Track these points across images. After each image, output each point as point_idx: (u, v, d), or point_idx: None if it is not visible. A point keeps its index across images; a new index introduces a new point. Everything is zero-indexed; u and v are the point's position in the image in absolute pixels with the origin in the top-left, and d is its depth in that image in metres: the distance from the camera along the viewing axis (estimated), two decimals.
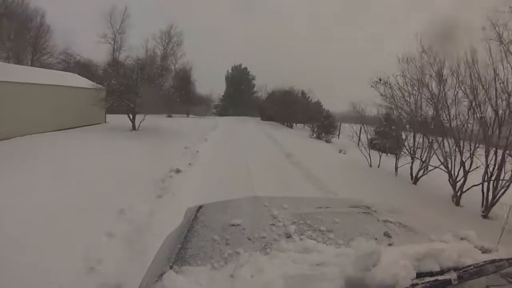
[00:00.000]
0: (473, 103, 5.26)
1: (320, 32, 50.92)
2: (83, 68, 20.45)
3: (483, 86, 5.07)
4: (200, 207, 1.50)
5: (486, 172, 5.01)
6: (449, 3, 9.83)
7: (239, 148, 9.91)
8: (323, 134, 15.34)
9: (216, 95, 36.58)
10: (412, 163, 7.09)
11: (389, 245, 1.06)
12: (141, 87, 10.99)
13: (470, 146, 5.32)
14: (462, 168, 5.44)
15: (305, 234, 1.12)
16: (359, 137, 12.49)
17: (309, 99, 25.11)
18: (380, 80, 7.74)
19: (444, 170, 5.80)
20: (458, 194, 5.49)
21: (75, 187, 4.42)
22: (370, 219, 1.33)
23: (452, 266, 0.85)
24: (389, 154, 8.71)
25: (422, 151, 6.77)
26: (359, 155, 8.84)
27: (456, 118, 5.70)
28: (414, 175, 6.94)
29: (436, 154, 6.11)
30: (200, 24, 47.37)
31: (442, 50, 6.06)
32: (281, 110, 22.65)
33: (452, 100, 5.74)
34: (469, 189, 5.32)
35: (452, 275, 0.83)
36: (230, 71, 38.95)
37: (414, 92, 6.88)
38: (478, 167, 5.18)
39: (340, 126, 14.46)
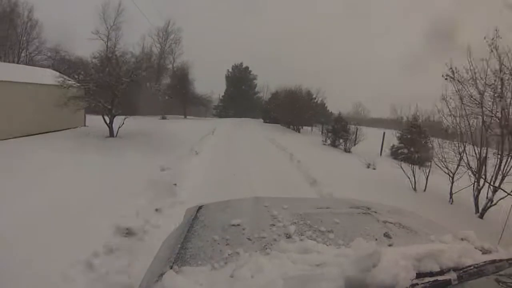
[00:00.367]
0: None
1: (319, 32, 50.95)
2: (69, 65, 18.53)
3: None
4: (200, 207, 1.51)
5: None
6: None
7: (240, 168, 7.07)
8: (340, 141, 12.92)
9: (216, 95, 35.66)
10: (476, 187, 5.07)
11: (389, 245, 1.06)
12: (123, 86, 9.27)
13: None
14: None
15: (305, 234, 1.12)
16: (382, 144, 11.12)
17: (315, 99, 23.34)
18: (453, 72, 5.28)
19: None
20: None
21: None
22: (370, 220, 1.33)
23: (452, 267, 0.85)
24: (418, 167, 6.81)
25: (493, 171, 4.83)
26: (391, 170, 7.06)
27: None
28: (478, 205, 5.00)
29: None
30: (199, 22, 47.36)
31: None
32: (287, 111, 20.42)
33: None
34: None
35: (452, 276, 0.83)
36: (230, 70, 37.68)
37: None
38: None
39: (357, 131, 12.32)
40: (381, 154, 9.21)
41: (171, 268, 0.93)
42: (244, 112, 33.28)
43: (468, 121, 5.31)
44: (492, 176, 4.85)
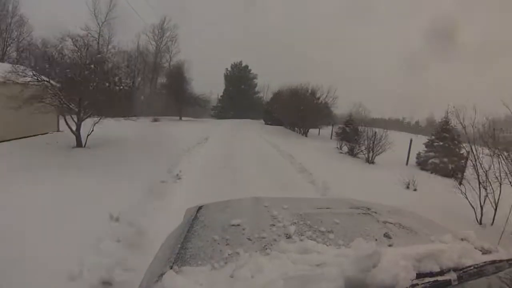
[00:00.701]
0: None
1: (319, 32, 50.97)
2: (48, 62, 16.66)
3: None
4: (200, 207, 1.51)
5: None
6: None
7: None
8: (361, 148, 10.61)
9: (215, 96, 34.33)
10: None
11: (389, 246, 1.06)
12: (94, 84, 7.78)
13: None
14: None
15: (305, 234, 1.12)
16: (409, 153, 9.18)
17: (319, 99, 20.28)
18: None
19: None
20: None
21: None
22: (370, 220, 1.33)
23: (452, 267, 0.86)
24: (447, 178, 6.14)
25: None
26: (435, 190, 5.91)
27: None
28: None
29: None
30: (198, 21, 47.21)
31: None
32: (293, 112, 18.09)
33: None
34: None
35: (452, 276, 0.83)
36: (229, 69, 35.76)
37: None
38: None
39: (382, 137, 9.68)
40: (407, 164, 7.86)
41: (171, 268, 0.93)
42: (244, 113, 31.57)
43: None
44: None
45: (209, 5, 49.33)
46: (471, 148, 5.00)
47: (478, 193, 4.66)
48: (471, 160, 5.04)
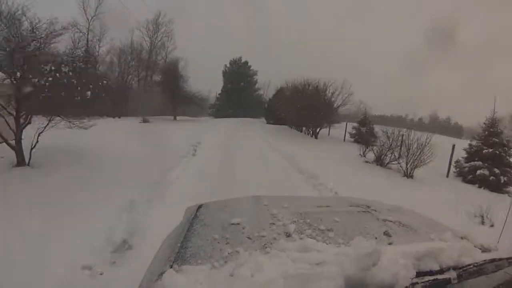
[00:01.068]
0: None
1: (319, 31, 50.81)
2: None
3: None
4: (200, 206, 1.51)
5: None
6: None
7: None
8: (396, 156, 8.26)
9: (214, 94, 33.29)
10: None
11: (389, 244, 1.06)
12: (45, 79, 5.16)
13: None
14: None
15: (305, 233, 1.12)
16: (450, 163, 7.11)
17: (325, 97, 17.03)
18: None
19: None
20: None
21: None
22: (370, 218, 1.33)
23: (452, 265, 0.86)
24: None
25: None
26: None
27: None
28: None
29: None
30: (199, 22, 46.90)
31: None
32: (299, 111, 15.84)
33: None
34: None
35: (452, 274, 0.83)
36: (228, 65, 33.92)
37: None
38: None
39: (424, 144, 7.30)
40: (447, 176, 6.04)
41: (171, 267, 0.93)
42: (243, 111, 30.42)
43: None
44: None
45: (207, 1, 48.90)
46: None
47: None
48: None
